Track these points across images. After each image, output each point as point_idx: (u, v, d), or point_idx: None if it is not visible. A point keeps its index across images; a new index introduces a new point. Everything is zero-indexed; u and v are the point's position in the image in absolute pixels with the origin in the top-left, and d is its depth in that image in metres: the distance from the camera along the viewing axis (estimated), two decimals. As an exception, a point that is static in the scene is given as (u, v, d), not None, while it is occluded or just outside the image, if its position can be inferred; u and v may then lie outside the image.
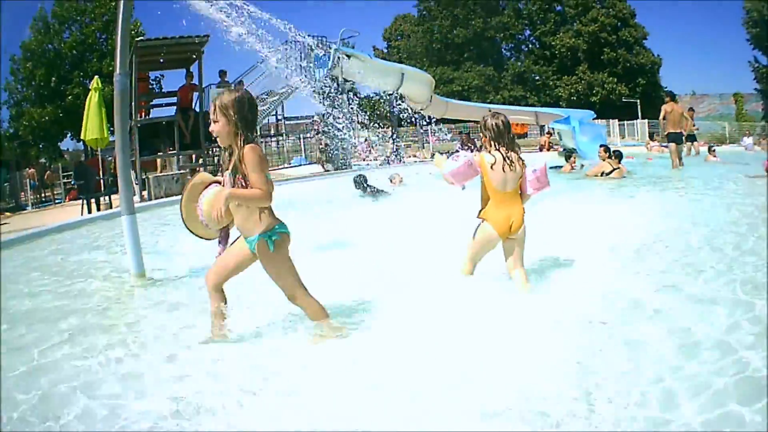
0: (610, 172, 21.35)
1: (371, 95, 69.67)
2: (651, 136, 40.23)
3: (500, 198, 7.68)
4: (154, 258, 10.69)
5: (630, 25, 78.56)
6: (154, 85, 48.73)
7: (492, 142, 7.71)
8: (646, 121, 56.92)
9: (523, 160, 7.68)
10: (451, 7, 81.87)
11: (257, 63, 27.69)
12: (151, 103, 36.01)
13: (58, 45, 49.94)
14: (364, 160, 37.28)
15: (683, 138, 25.05)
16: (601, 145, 23.13)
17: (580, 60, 77.57)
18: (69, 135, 51.91)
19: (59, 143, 52.06)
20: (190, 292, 8.20)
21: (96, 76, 29.41)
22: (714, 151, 28.29)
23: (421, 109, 38.40)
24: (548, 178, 7.87)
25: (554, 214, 12.02)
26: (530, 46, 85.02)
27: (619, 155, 22.57)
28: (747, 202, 13.73)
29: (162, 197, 24.78)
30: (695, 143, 31.26)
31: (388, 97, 38.50)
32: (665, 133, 24.73)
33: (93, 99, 27.21)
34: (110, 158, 32.68)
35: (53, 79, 49.17)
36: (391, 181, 21.66)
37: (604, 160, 21.99)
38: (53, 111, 48.18)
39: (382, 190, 19.66)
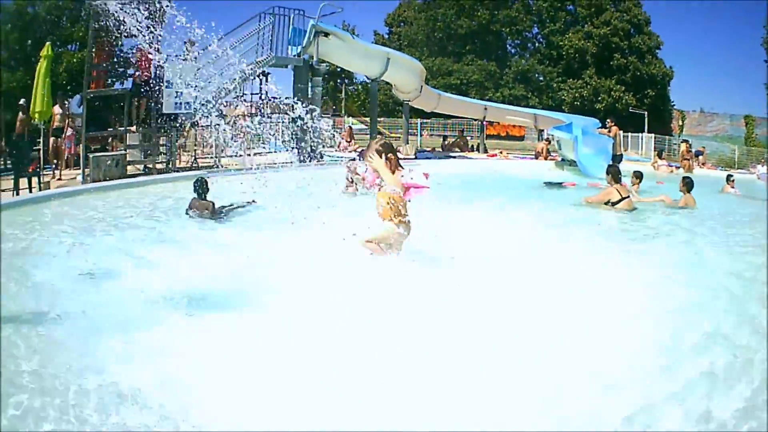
0: (617, 201, 16.43)
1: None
2: (660, 154, 35.93)
3: None
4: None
5: (644, 32, 74.91)
6: (129, 55, 45.53)
7: None
8: (652, 135, 52.93)
9: None
10: (457, -5, 78.17)
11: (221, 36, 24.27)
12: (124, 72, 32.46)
13: (38, 8, 45.93)
14: (343, 150, 34.02)
15: None
16: (609, 167, 18.45)
17: (588, 64, 73.84)
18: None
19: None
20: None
21: (48, 43, 26.48)
22: (733, 181, 23.96)
23: (408, 100, 35.84)
24: None
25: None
26: (537, 44, 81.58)
27: (689, 184, 18.11)
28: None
29: (100, 180, 21.68)
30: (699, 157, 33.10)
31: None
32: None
33: (41, 68, 24.53)
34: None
35: (28, 42, 45.30)
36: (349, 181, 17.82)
37: (611, 184, 17.06)
38: (22, 76, 43.08)
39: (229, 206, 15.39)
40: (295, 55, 29.26)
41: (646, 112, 63.88)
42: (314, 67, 29.40)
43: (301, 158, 24.67)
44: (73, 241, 11.58)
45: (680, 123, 78.39)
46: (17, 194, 20.49)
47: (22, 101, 27.95)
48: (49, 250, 10.78)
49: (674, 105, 79.97)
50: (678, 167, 30.89)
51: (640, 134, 55.81)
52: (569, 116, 36.88)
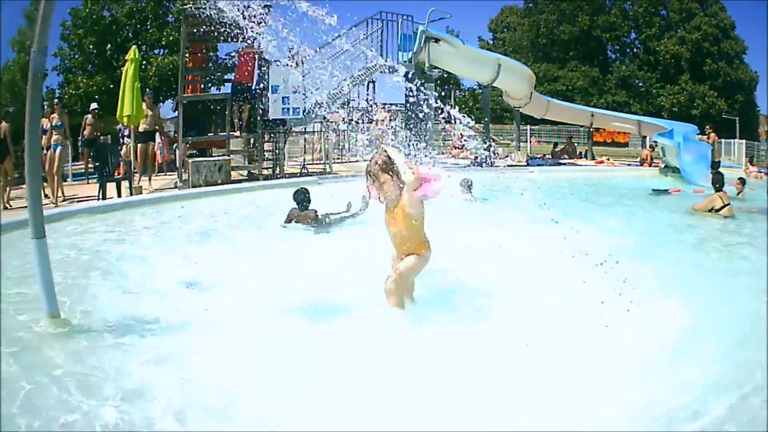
0: (720, 208, 16.37)
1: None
2: (751, 160, 35.42)
3: None
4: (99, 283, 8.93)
5: (730, 37, 74.57)
6: (227, 60, 45.06)
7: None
8: (743, 141, 51.79)
9: None
10: (558, 1, 78.21)
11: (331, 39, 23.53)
12: (221, 77, 33.44)
13: (116, 12, 46.32)
14: (454, 157, 33.84)
15: None
16: (715, 173, 18.32)
17: (683, 69, 73.37)
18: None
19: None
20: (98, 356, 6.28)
21: (134, 47, 26.05)
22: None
23: (519, 107, 36.67)
24: None
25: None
26: (635, 50, 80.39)
27: None
28: None
29: (200, 185, 21.51)
30: None
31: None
32: None
33: (128, 72, 23.72)
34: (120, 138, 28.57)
35: (108, 47, 45.16)
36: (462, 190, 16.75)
37: (716, 191, 16.97)
38: (102, 81, 43.72)
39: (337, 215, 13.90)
40: (405, 61, 28.35)
41: (737, 118, 62.83)
42: (426, 73, 28.51)
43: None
44: (162, 248, 11.40)
45: (766, 128, 76.99)
46: (103, 199, 19.83)
47: (93, 105, 27.87)
48: (133, 259, 10.53)
49: (759, 110, 78.78)
50: (767, 173, 30.38)
51: (732, 140, 54.74)
52: (670, 123, 36.20)
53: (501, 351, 6.33)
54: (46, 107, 22.65)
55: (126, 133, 27.31)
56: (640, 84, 76.47)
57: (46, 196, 20.26)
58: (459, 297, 7.95)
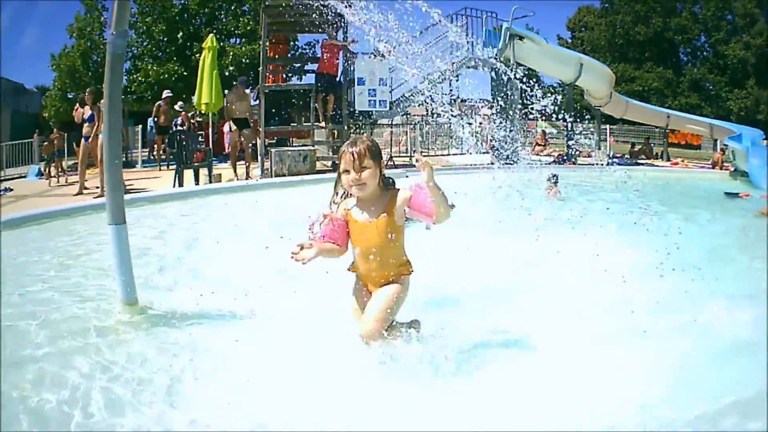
0: (781, 212, 16.73)
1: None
2: (807, 169, 35.37)
3: None
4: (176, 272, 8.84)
5: (789, 43, 73.98)
6: (308, 51, 46.59)
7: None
8: (799, 150, 51.42)
9: None
10: (632, 2, 78.53)
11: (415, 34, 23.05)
12: (302, 67, 34.66)
13: (186, 1, 46.47)
14: (537, 154, 34.33)
15: None
16: None
17: (749, 73, 73.48)
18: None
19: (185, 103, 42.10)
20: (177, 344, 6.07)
21: (211, 35, 27.05)
22: None
23: (599, 106, 36.96)
24: None
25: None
26: (705, 53, 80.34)
27: None
28: None
29: (284, 175, 21.50)
30: None
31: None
32: None
33: (206, 59, 24.53)
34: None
35: (180, 35, 45.31)
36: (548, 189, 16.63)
37: (781, 195, 17.32)
38: (174, 68, 44.04)
39: None
40: (491, 58, 27.82)
41: (796, 125, 62.45)
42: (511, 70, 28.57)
43: (501, 160, 24.49)
44: (242, 238, 10.84)
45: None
46: (179, 186, 19.84)
47: (166, 93, 28.49)
48: (213, 248, 10.30)
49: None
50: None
51: (790, 148, 54.38)
52: (739, 127, 36.09)
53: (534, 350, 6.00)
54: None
55: (179, 121, 28.23)
56: (710, 87, 76.25)
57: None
58: (511, 296, 7.54)
